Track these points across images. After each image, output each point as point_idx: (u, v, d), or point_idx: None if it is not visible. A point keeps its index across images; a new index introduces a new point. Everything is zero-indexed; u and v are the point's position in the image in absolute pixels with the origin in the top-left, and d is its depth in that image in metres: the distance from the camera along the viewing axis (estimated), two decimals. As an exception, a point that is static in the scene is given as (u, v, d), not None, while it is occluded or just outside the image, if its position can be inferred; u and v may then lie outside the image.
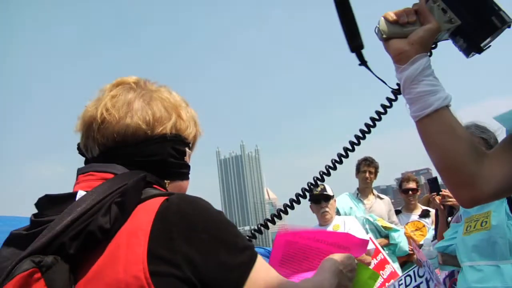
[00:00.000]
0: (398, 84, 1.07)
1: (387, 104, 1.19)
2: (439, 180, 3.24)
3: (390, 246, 4.15)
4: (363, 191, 4.57)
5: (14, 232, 0.86)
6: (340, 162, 1.32)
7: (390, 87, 1.13)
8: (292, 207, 1.37)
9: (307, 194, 1.38)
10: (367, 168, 4.50)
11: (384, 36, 1.01)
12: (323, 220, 3.57)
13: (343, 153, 1.31)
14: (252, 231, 1.40)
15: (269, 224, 1.41)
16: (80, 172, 0.98)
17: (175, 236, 0.82)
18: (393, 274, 3.42)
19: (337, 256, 1.19)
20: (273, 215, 1.38)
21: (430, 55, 1.05)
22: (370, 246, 3.36)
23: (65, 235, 0.79)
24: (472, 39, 0.99)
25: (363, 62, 1.07)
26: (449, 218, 3.13)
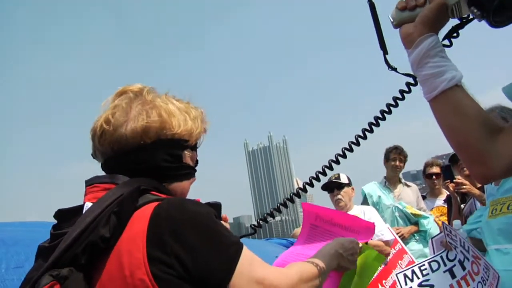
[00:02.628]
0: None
1: (406, 89, 1.21)
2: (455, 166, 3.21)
3: (421, 232, 4.19)
4: (391, 180, 4.60)
5: (40, 245, 0.98)
6: (351, 150, 1.34)
7: (408, 74, 1.16)
8: (298, 196, 1.45)
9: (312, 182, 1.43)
10: (397, 156, 4.53)
11: (394, 23, 1.01)
12: (338, 207, 3.60)
13: (357, 138, 1.33)
14: (252, 226, 1.49)
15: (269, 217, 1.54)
16: (86, 184, 1.05)
17: (166, 239, 0.89)
18: (411, 264, 3.37)
19: (338, 240, 1.29)
20: (273, 209, 1.49)
21: (457, 36, 1.05)
22: (389, 236, 3.38)
23: (76, 246, 0.88)
24: (484, 3, 0.92)
25: (389, 66, 1.12)
26: (462, 206, 3.09)
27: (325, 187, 3.66)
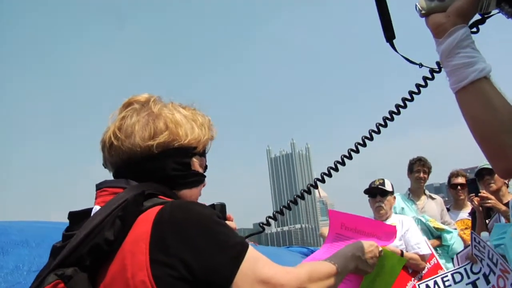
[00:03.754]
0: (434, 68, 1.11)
1: (423, 82, 1.25)
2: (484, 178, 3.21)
3: (443, 247, 4.09)
4: (415, 191, 4.53)
5: (53, 245, 1.01)
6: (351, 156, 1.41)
7: (428, 67, 1.20)
8: (302, 198, 1.48)
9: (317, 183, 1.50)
10: (421, 168, 4.46)
11: (423, 12, 1.01)
12: (378, 215, 3.45)
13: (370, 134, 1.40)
14: (261, 224, 1.56)
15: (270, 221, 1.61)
16: (97, 188, 1.09)
17: (169, 241, 0.90)
18: None
19: (357, 243, 1.31)
20: (276, 211, 1.56)
21: (477, 31, 1.05)
22: (426, 250, 3.25)
23: (82, 248, 0.91)
24: None
25: (395, 50, 1.15)
26: (487, 221, 3.08)
27: (367, 191, 3.51)
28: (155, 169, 1.08)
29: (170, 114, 1.12)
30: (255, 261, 0.96)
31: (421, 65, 1.21)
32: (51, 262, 0.94)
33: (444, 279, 2.71)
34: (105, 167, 1.16)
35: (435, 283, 2.70)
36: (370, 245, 1.32)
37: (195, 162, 1.15)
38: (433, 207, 4.43)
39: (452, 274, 2.71)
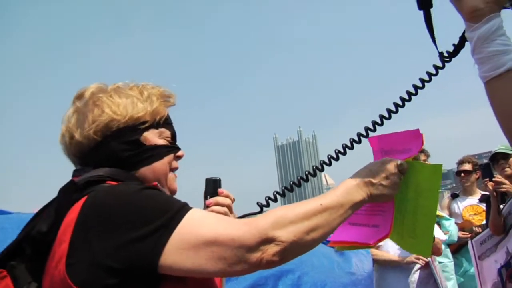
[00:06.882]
0: (448, 52, 1.09)
1: (433, 72, 1.14)
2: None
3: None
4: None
5: None
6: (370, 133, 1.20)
7: (442, 56, 1.12)
8: (298, 185, 1.25)
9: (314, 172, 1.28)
10: (423, 158, 4.15)
11: None
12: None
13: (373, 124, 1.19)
14: (260, 204, 1.22)
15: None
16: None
17: (89, 226, 0.86)
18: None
19: (364, 167, 1.05)
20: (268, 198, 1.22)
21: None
22: (442, 236, 3.54)
23: (24, 240, 0.95)
24: None
25: (428, 22, 1.10)
26: (501, 206, 3.03)
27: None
28: (106, 155, 1.04)
29: (106, 98, 1.07)
30: (198, 222, 0.86)
31: (441, 55, 1.12)
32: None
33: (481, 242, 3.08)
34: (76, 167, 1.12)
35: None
36: (382, 163, 1.03)
37: (150, 136, 1.09)
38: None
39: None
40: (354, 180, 1.01)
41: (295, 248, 0.88)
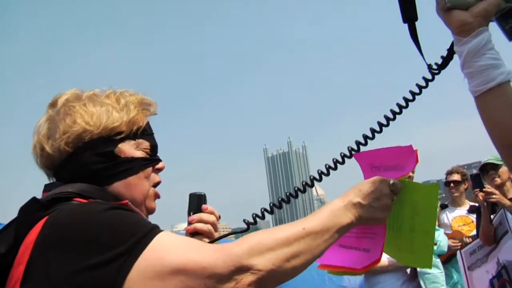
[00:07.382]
0: (437, 64, 1.06)
1: (424, 84, 1.10)
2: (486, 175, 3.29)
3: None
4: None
5: None
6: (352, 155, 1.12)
7: (433, 65, 1.08)
8: (287, 202, 1.11)
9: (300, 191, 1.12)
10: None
11: (448, 4, 0.97)
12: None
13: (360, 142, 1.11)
14: (246, 221, 1.12)
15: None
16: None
17: (48, 248, 0.79)
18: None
19: (354, 188, 0.94)
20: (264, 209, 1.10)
21: None
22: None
23: None
24: None
25: (413, 35, 1.07)
26: (492, 216, 3.05)
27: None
28: (77, 168, 0.98)
29: (79, 107, 1.00)
30: (166, 247, 0.78)
31: (430, 67, 1.08)
32: None
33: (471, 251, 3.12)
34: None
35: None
36: (372, 183, 0.93)
37: (125, 148, 1.01)
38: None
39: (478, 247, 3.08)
40: (342, 201, 0.91)
41: (274, 277, 0.80)
